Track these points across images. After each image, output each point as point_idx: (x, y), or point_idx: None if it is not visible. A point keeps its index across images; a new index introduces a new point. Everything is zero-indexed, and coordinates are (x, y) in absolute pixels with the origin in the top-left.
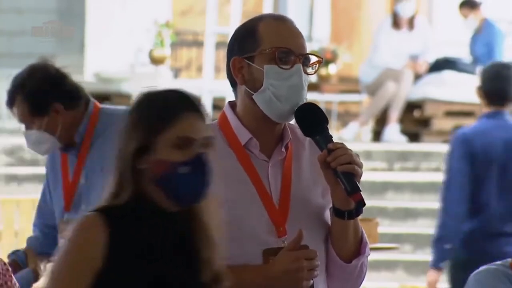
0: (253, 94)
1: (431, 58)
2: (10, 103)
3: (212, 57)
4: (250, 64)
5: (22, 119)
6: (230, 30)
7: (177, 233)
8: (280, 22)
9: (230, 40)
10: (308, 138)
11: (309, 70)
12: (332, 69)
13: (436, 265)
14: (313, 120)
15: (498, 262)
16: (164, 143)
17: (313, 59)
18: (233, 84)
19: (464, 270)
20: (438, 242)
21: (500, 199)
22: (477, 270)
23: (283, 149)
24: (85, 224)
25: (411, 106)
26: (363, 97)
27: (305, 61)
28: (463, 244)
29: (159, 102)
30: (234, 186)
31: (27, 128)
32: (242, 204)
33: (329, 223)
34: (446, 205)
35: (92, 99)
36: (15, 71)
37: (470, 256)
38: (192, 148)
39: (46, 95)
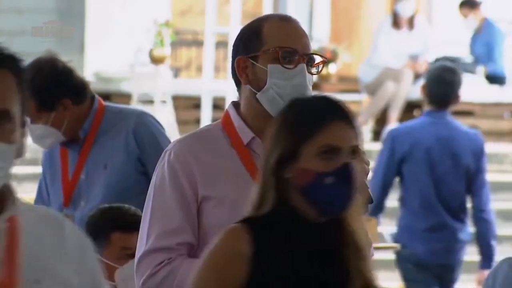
0: (257, 94)
1: (431, 58)
2: None
3: (212, 57)
4: (254, 64)
5: (28, 114)
6: (229, 30)
7: (323, 244)
8: (284, 22)
9: (235, 40)
10: None
11: (313, 70)
12: (332, 68)
13: None
14: None
15: None
16: (310, 152)
17: (318, 59)
18: (238, 84)
19: (410, 263)
20: None
21: (435, 193)
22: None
23: None
24: (228, 237)
25: (411, 106)
26: (363, 97)
27: (310, 61)
28: (405, 237)
29: (306, 109)
30: (237, 186)
31: (33, 122)
32: (244, 204)
33: None
34: None
35: (96, 96)
36: None
37: (410, 250)
38: (338, 157)
39: (55, 90)
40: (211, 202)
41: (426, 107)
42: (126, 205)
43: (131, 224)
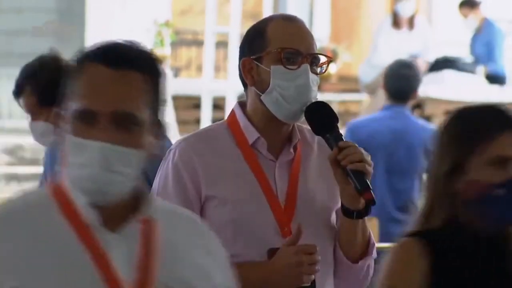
0: (261, 95)
1: (431, 57)
2: (18, 93)
3: (212, 57)
4: (258, 65)
5: (30, 110)
6: (229, 30)
7: (494, 258)
8: (288, 22)
9: (241, 41)
10: (316, 140)
11: (319, 70)
12: (332, 68)
13: None
14: (324, 118)
15: None
16: (480, 163)
17: (322, 58)
18: (245, 85)
19: None
20: None
21: (387, 185)
22: None
23: (291, 150)
24: (405, 250)
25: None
26: (363, 97)
27: (314, 61)
28: None
29: (476, 119)
30: (240, 185)
31: (34, 119)
32: (247, 204)
33: (335, 225)
34: None
35: None
36: (15, 71)
37: None
38: (509, 168)
39: (57, 86)
40: (214, 201)
41: (386, 102)
42: None
43: None
